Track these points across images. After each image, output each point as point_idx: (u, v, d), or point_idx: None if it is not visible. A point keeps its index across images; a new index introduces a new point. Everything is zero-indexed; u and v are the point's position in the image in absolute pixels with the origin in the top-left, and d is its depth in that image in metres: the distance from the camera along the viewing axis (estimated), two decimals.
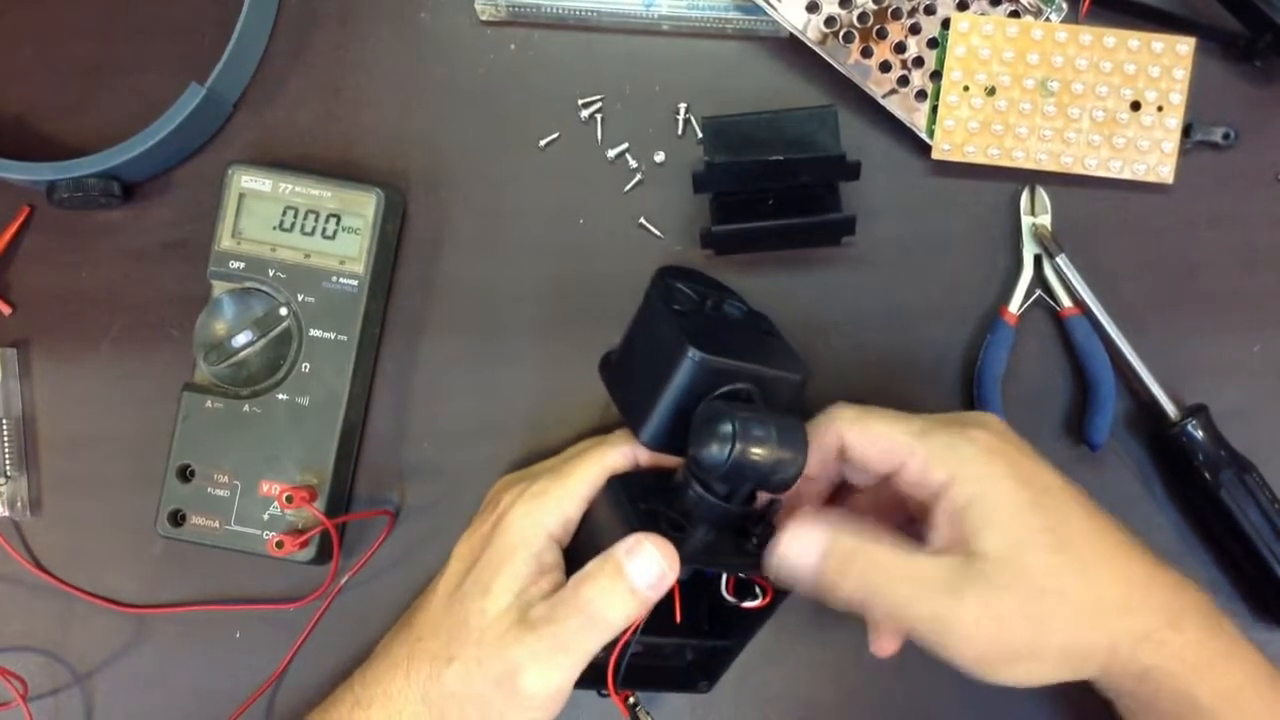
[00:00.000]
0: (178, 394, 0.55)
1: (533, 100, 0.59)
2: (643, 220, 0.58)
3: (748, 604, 0.48)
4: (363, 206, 0.55)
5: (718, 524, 0.47)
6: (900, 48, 0.56)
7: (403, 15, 0.59)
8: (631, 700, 0.49)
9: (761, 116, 0.53)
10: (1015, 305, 0.57)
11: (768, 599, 0.47)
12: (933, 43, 0.57)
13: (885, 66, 0.56)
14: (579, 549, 0.49)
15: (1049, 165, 0.57)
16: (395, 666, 0.50)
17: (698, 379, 0.46)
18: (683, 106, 0.58)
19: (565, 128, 0.59)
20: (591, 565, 0.46)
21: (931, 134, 0.57)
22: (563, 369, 0.58)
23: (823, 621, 0.58)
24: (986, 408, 0.56)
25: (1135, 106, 0.56)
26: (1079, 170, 0.57)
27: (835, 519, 0.47)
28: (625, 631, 0.46)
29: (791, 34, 0.56)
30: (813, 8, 0.55)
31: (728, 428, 0.44)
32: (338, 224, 0.56)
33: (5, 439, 0.58)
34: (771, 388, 0.48)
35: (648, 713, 0.49)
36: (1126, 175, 0.57)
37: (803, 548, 0.46)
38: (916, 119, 0.57)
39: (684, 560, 0.45)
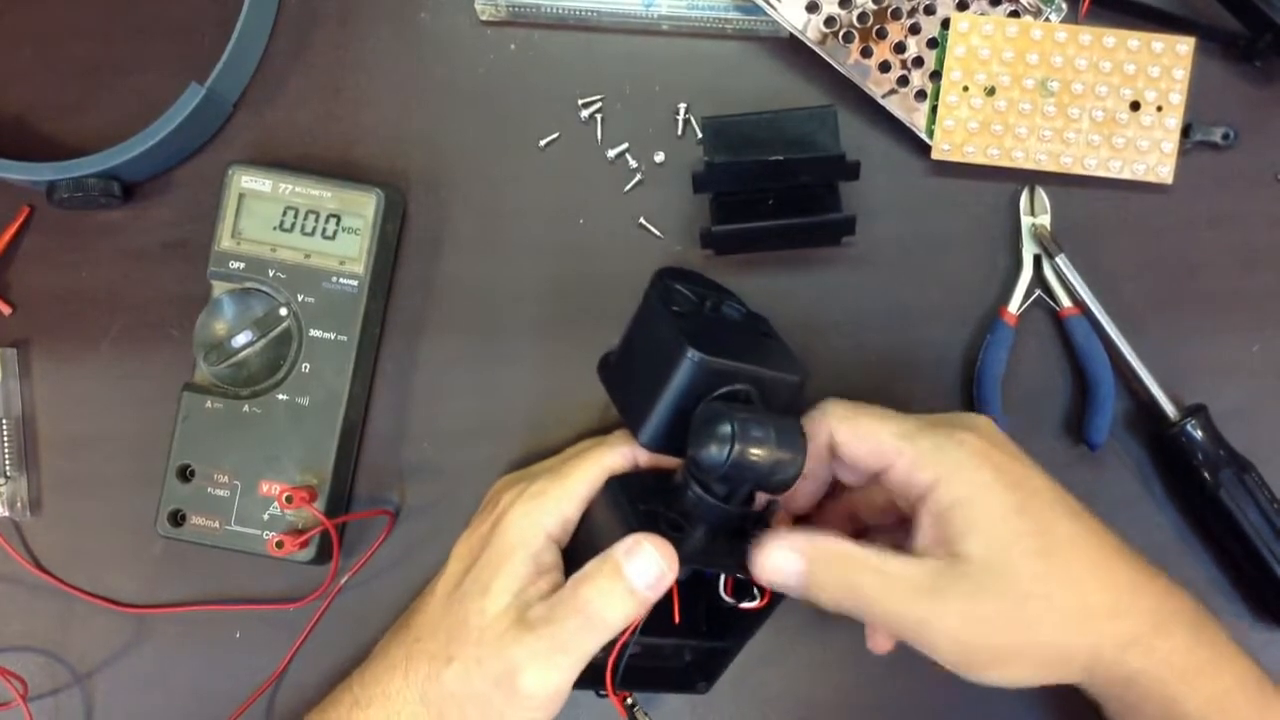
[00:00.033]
0: (178, 394, 0.55)
1: (533, 100, 0.59)
2: (643, 220, 0.58)
3: (746, 605, 0.48)
4: (363, 206, 0.55)
5: (716, 525, 0.47)
6: (900, 48, 0.56)
7: (403, 15, 0.59)
8: (630, 701, 0.49)
9: (761, 116, 0.53)
10: (1015, 305, 0.57)
11: (766, 600, 0.47)
12: (932, 43, 0.57)
13: (885, 66, 0.56)
14: (578, 549, 0.49)
15: (1049, 165, 0.57)
16: (394, 667, 0.50)
17: (696, 380, 0.46)
18: (683, 106, 0.58)
19: (565, 128, 0.59)
20: (590, 565, 0.46)
21: (931, 134, 0.57)
22: (563, 369, 0.58)
23: (822, 621, 0.58)
24: (986, 408, 0.56)
25: (1135, 106, 0.56)
26: (1078, 170, 0.57)
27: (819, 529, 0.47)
28: (624, 632, 0.46)
29: (791, 34, 0.56)
30: (812, 8, 0.55)
31: (727, 429, 0.44)
32: (338, 224, 0.56)
33: (5, 439, 0.58)
34: (770, 389, 0.48)
35: (646, 713, 0.49)
36: (1126, 175, 0.57)
37: (786, 555, 0.46)
38: (916, 119, 0.57)
39: (683, 561, 0.45)
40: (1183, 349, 0.58)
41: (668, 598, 0.46)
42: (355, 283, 0.55)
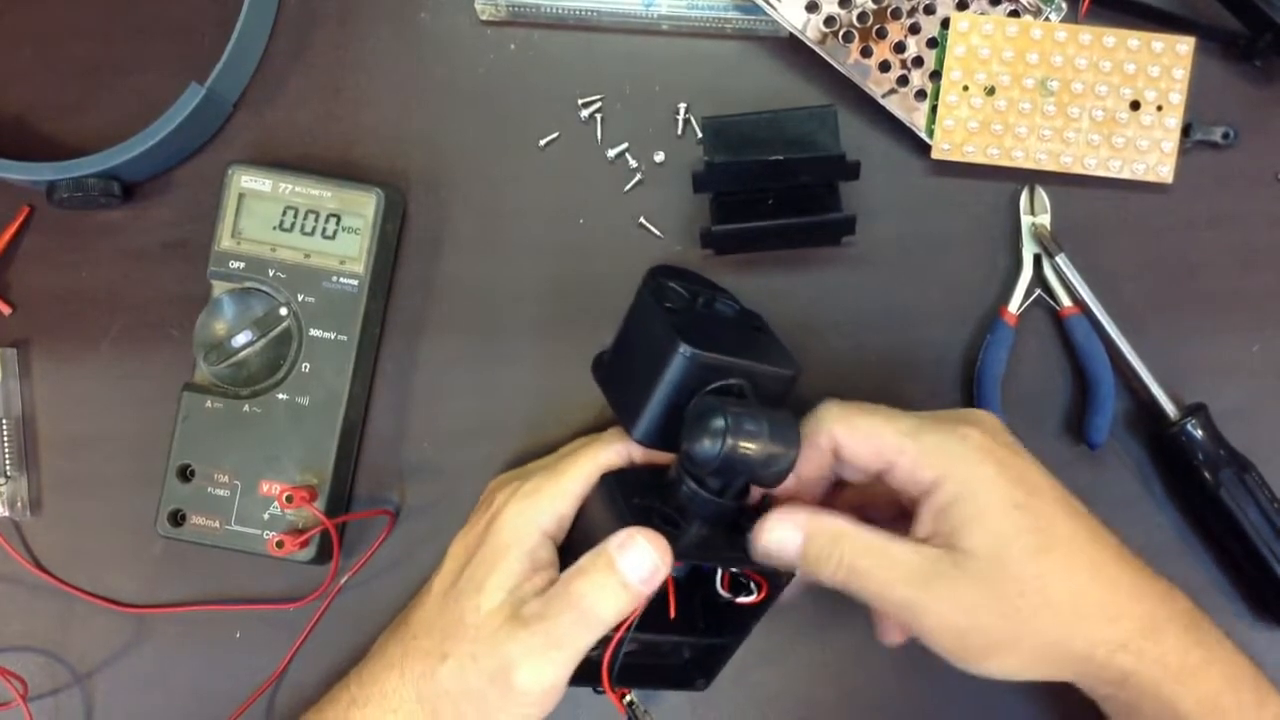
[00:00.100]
0: (178, 394, 0.55)
1: (533, 100, 0.59)
2: (643, 220, 0.58)
3: (742, 599, 0.48)
4: (363, 206, 0.55)
5: (711, 519, 0.47)
6: (900, 47, 0.56)
7: (403, 15, 0.59)
8: (628, 698, 0.49)
9: (761, 116, 0.53)
10: (1015, 305, 0.57)
11: (762, 594, 0.48)
12: (932, 42, 0.57)
13: (885, 66, 0.56)
14: (574, 546, 0.49)
15: (1048, 165, 0.57)
16: (390, 665, 0.50)
17: (689, 375, 0.46)
18: (683, 106, 0.58)
19: (565, 128, 0.59)
20: (584, 560, 0.46)
21: (931, 134, 0.57)
22: (562, 369, 0.58)
23: (822, 621, 0.58)
24: (986, 407, 0.56)
25: (1135, 106, 0.56)
26: (1078, 170, 0.57)
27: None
28: (619, 627, 0.46)
29: (791, 34, 0.56)
30: (812, 7, 0.55)
31: (719, 422, 0.44)
32: (338, 224, 0.56)
33: (5, 439, 0.58)
34: (763, 383, 0.48)
35: (645, 711, 0.49)
36: (1126, 175, 0.57)
37: (786, 530, 0.46)
38: (916, 119, 0.57)
39: (677, 555, 0.45)
40: (1183, 349, 0.58)
41: (664, 594, 0.46)
42: (355, 282, 0.55)
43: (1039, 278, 0.58)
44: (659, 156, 0.58)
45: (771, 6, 0.55)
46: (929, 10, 0.56)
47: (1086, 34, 0.56)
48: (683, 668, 0.52)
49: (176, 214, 0.59)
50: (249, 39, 0.57)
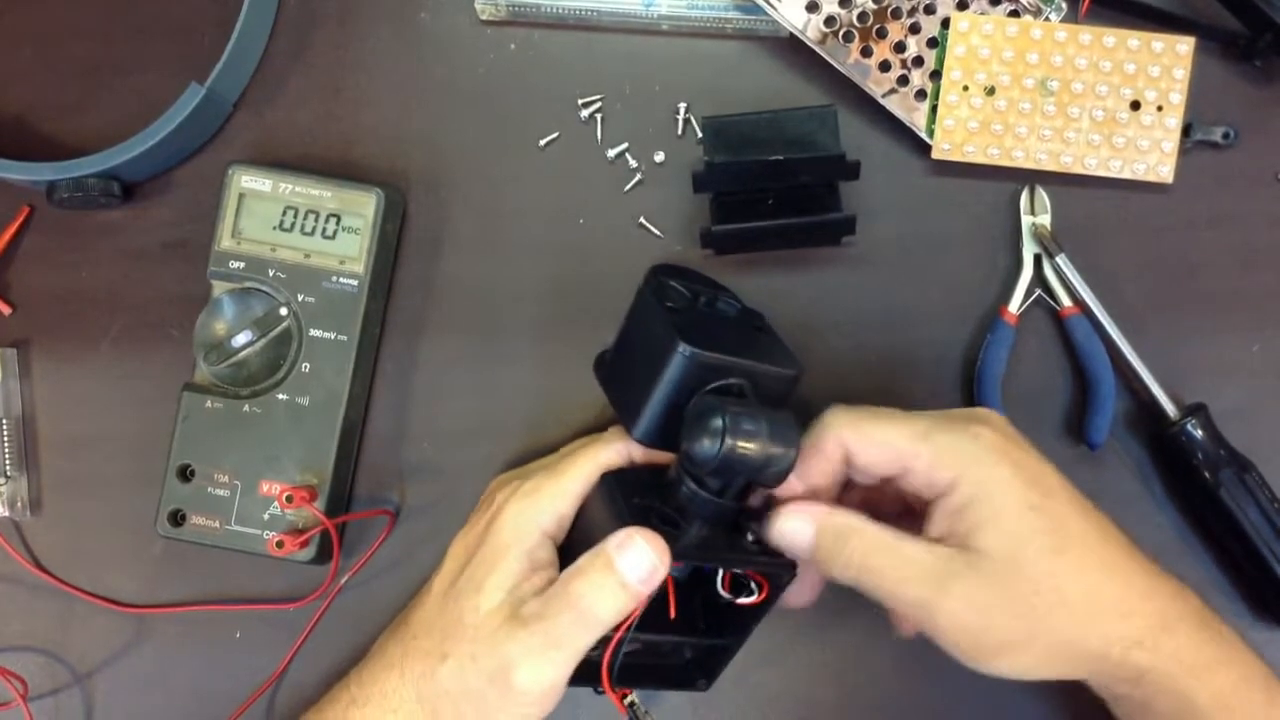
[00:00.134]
0: (178, 394, 0.55)
1: (533, 100, 0.59)
2: (643, 220, 0.58)
3: (743, 600, 0.48)
4: (363, 206, 0.55)
5: (711, 519, 0.47)
6: (900, 47, 0.56)
7: (403, 15, 0.59)
8: (629, 699, 0.49)
9: (761, 116, 0.53)
10: (1015, 305, 0.57)
11: (763, 595, 0.47)
12: (932, 42, 0.57)
13: (885, 66, 0.56)
14: (574, 546, 0.49)
15: (1049, 165, 0.57)
16: (390, 665, 0.50)
17: (689, 374, 0.46)
18: (683, 106, 0.58)
19: (565, 127, 0.59)
20: (583, 560, 0.46)
21: (931, 133, 0.57)
22: (562, 369, 0.58)
23: (823, 621, 0.58)
24: (986, 407, 0.56)
25: (1135, 106, 0.56)
26: (1079, 170, 0.57)
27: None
28: (619, 627, 0.46)
29: (791, 34, 0.56)
30: (812, 7, 0.55)
31: (718, 422, 0.44)
32: (338, 224, 0.56)
33: (5, 439, 0.58)
34: (764, 383, 0.48)
35: (646, 711, 0.49)
36: (1126, 175, 0.57)
37: (798, 522, 0.47)
38: (916, 118, 0.57)
39: (677, 556, 0.45)
40: (1183, 349, 0.58)
41: (664, 594, 0.46)
42: (355, 282, 0.55)
43: (1039, 278, 0.58)
44: (659, 156, 0.58)
45: (771, 6, 0.55)
46: (929, 10, 0.56)
47: (1086, 34, 0.56)
48: (684, 668, 0.52)
49: (176, 214, 0.59)
50: (249, 39, 0.57)
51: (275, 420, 0.55)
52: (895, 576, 0.45)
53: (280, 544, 0.53)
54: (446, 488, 0.58)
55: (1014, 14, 0.57)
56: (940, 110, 0.56)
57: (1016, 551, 0.44)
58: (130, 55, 0.59)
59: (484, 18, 0.58)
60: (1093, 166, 0.57)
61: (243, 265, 0.55)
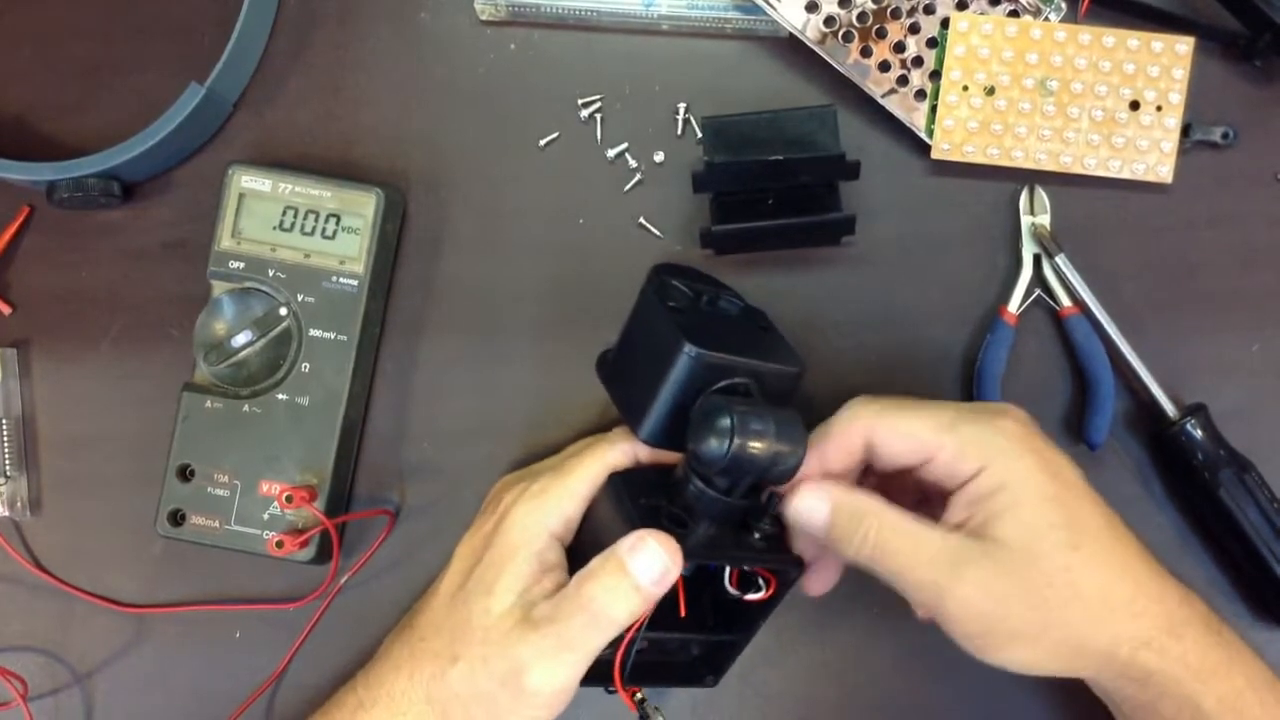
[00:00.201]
0: (178, 394, 0.55)
1: (533, 100, 0.59)
2: (642, 220, 0.58)
3: (751, 596, 0.48)
4: (363, 206, 0.55)
5: (719, 518, 0.47)
6: (899, 47, 0.56)
7: (403, 15, 0.59)
8: (639, 696, 0.49)
9: (761, 116, 0.53)
10: (1015, 305, 0.57)
11: (771, 591, 0.48)
12: (932, 42, 0.57)
13: (884, 66, 0.56)
14: (581, 547, 0.49)
15: (1048, 165, 0.57)
16: (398, 667, 0.50)
17: (694, 374, 0.46)
18: (682, 106, 0.58)
19: (565, 127, 0.59)
20: (594, 563, 0.46)
21: (931, 133, 0.57)
22: (562, 369, 0.58)
23: (823, 621, 0.58)
24: None
25: (1134, 106, 0.56)
26: (1078, 170, 0.57)
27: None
28: (630, 628, 0.46)
29: (791, 34, 0.56)
30: (812, 7, 0.55)
31: (726, 422, 0.44)
32: (337, 224, 0.56)
33: (5, 439, 0.58)
34: (769, 381, 0.48)
35: (656, 709, 0.49)
36: (1126, 175, 0.57)
37: (815, 500, 0.47)
38: (916, 118, 0.57)
39: (687, 556, 0.45)
40: (1183, 349, 0.58)
41: (673, 592, 0.46)
42: (355, 282, 0.55)
43: (1039, 278, 0.58)
44: (659, 156, 0.58)
45: (771, 6, 0.55)
46: (929, 10, 0.56)
47: (1086, 34, 0.56)
48: (691, 665, 0.52)
49: (176, 214, 0.59)
50: (249, 39, 0.57)
51: (275, 420, 0.55)
52: (909, 559, 0.45)
53: (280, 544, 0.53)
54: (446, 488, 0.58)
55: (1013, 14, 0.57)
56: (940, 110, 0.56)
57: (1033, 542, 0.44)
58: (130, 55, 0.59)
59: (484, 18, 0.58)
60: (1092, 166, 0.57)
61: (243, 265, 0.55)
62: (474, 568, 0.50)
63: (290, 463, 0.55)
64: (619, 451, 0.51)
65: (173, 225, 0.59)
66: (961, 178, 0.58)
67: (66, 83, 0.60)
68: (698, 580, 0.49)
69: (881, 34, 0.56)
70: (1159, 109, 0.56)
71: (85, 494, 0.59)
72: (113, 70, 0.59)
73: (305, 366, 0.55)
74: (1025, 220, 0.58)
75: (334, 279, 0.55)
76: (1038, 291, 0.57)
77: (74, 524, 0.59)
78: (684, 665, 0.52)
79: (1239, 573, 0.57)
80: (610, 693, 0.48)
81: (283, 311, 0.55)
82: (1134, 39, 0.56)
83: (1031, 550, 0.44)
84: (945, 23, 0.56)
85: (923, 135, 0.57)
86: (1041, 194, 0.58)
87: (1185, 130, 0.57)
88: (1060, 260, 0.57)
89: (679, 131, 0.58)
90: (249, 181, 0.56)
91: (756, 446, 0.44)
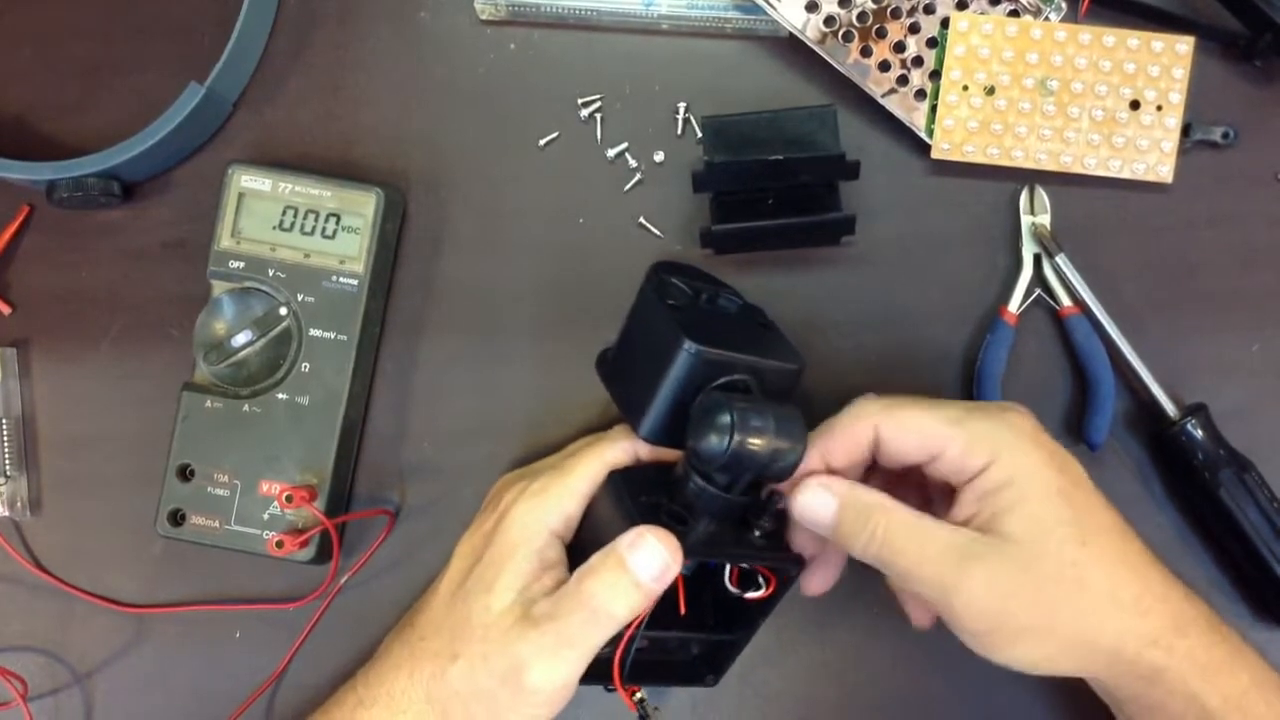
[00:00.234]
0: (178, 394, 0.55)
1: (533, 100, 0.59)
2: (642, 220, 0.58)
3: (751, 595, 0.48)
4: (362, 206, 0.55)
5: (719, 515, 0.47)
6: (899, 47, 0.56)
7: (403, 15, 0.59)
8: (639, 695, 0.49)
9: (761, 116, 0.53)
10: (1015, 305, 0.57)
11: (771, 589, 0.48)
12: (932, 42, 0.57)
13: (884, 66, 0.56)
14: (582, 545, 0.49)
15: (1048, 165, 0.57)
16: (398, 666, 0.50)
17: (694, 371, 0.46)
18: (682, 106, 0.58)
19: (565, 127, 0.59)
20: (594, 559, 0.46)
21: (931, 133, 0.57)
22: (562, 369, 0.58)
23: (823, 621, 0.58)
24: None
25: (1134, 106, 0.56)
26: (1078, 170, 0.57)
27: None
28: (630, 625, 0.46)
29: (791, 33, 0.56)
30: (812, 7, 0.55)
31: (725, 419, 0.44)
32: (337, 224, 0.56)
33: (5, 439, 0.58)
34: (768, 378, 0.48)
35: (655, 708, 0.49)
36: (1126, 175, 0.57)
37: (821, 496, 0.47)
38: (916, 118, 0.57)
39: (687, 553, 0.45)
40: (1183, 349, 0.58)
41: (673, 590, 0.46)
42: (355, 282, 0.55)
43: (1039, 277, 0.58)
44: (659, 156, 0.58)
45: (771, 6, 0.55)
46: (929, 10, 0.56)
47: (1086, 34, 0.56)
48: (691, 663, 0.52)
49: (176, 214, 0.59)
50: (249, 39, 0.57)
51: (275, 420, 0.55)
52: (917, 555, 0.45)
53: (280, 544, 0.53)
54: (446, 488, 0.58)
55: (1014, 14, 0.57)
56: (940, 110, 0.56)
57: (1041, 537, 0.44)
58: (130, 55, 0.59)
59: (484, 17, 0.58)
60: (1092, 166, 0.57)
61: (242, 265, 0.55)
62: (474, 566, 0.50)
63: (290, 463, 0.55)
64: (619, 449, 0.51)
65: (173, 225, 0.59)
66: (961, 177, 0.58)
67: (66, 83, 0.60)
68: (698, 579, 0.49)
69: (881, 34, 0.56)
70: (1159, 109, 0.56)
71: (85, 494, 0.59)
72: (113, 70, 0.59)
73: (305, 366, 0.55)
74: (1025, 220, 0.58)
75: (334, 279, 0.55)
76: (1038, 291, 0.57)
77: (74, 524, 0.59)
78: (684, 664, 0.52)
79: (1239, 573, 0.57)
80: (610, 691, 0.48)
81: (283, 311, 0.55)
82: (1134, 39, 0.56)
83: (1039, 545, 0.44)
84: (945, 22, 0.56)
85: (923, 135, 0.57)
86: (1041, 194, 0.58)
87: (1185, 130, 0.57)
88: (1060, 260, 0.57)
89: (679, 131, 0.58)
90: (249, 181, 0.56)
91: (756, 443, 0.44)
